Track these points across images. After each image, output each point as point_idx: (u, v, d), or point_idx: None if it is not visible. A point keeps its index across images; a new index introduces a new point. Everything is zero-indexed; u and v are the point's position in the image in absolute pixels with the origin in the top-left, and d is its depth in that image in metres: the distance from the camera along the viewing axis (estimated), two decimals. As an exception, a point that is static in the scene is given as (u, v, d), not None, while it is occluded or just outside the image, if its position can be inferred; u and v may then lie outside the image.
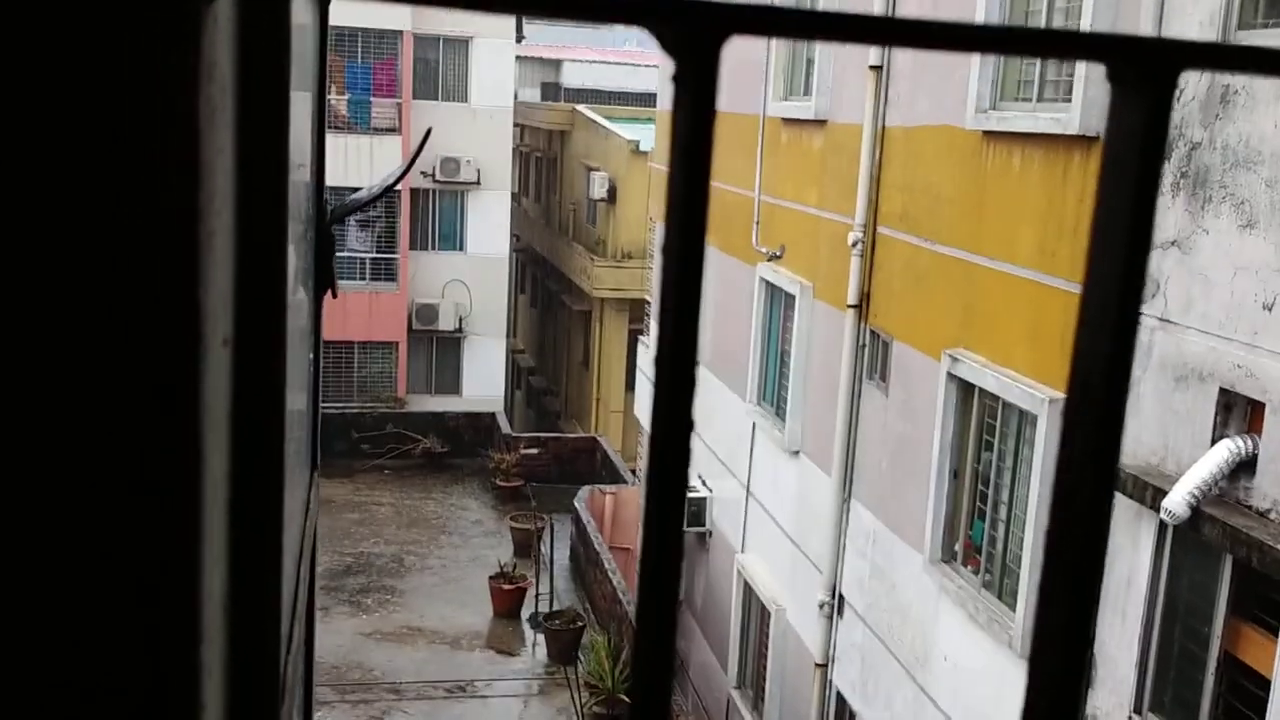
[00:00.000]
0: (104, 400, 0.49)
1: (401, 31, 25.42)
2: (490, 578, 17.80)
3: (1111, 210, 0.51)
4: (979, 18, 8.49)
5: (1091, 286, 0.52)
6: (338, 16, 26.27)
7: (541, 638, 16.72)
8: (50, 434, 0.48)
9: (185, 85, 0.45)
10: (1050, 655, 0.51)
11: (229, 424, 0.60)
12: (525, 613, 17.58)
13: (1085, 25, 7.26)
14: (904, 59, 9.95)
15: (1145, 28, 6.77)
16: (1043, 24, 8.06)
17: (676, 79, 0.47)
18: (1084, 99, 7.32)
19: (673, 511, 0.48)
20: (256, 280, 0.60)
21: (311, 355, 1.57)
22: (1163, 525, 6.41)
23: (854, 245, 10.46)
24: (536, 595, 17.57)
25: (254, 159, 0.58)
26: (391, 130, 25.37)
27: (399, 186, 24.79)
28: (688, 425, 0.48)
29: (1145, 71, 0.50)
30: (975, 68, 8.59)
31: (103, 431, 0.48)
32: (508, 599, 17.53)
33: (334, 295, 1.66)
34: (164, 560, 0.51)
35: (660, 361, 0.48)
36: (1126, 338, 0.53)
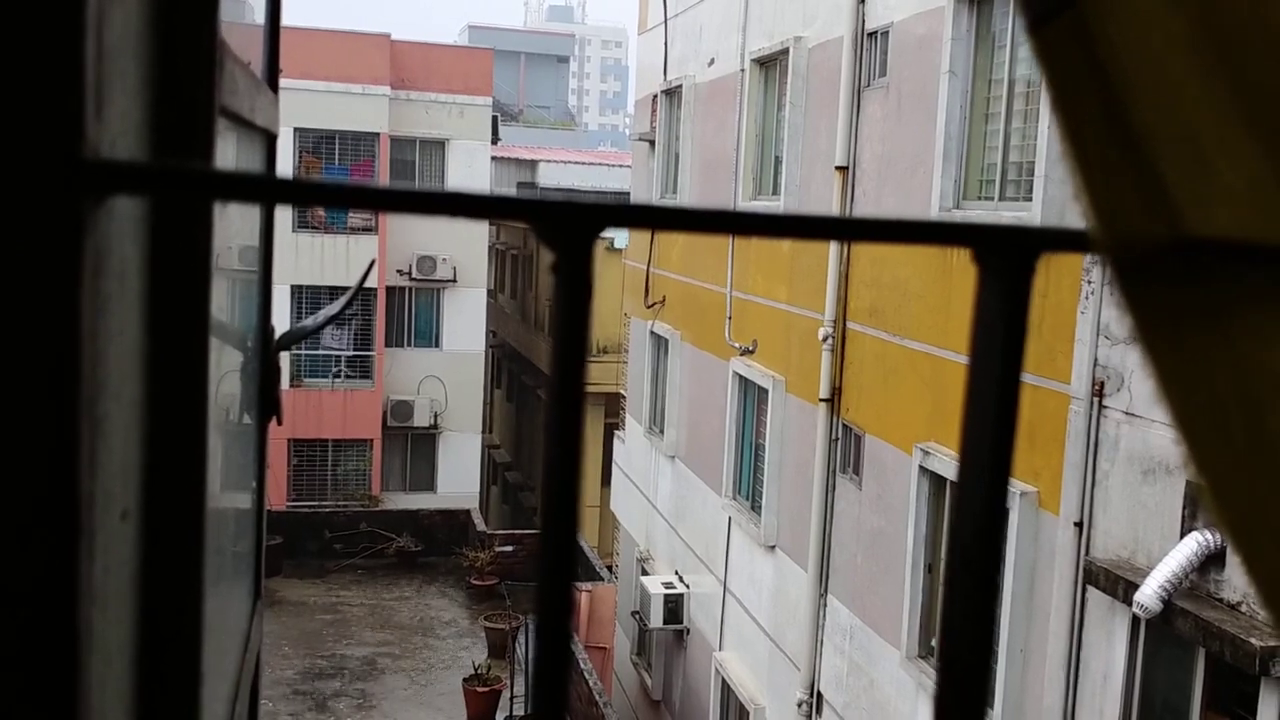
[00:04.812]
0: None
1: (378, 134, 25.75)
2: (464, 680, 17.48)
3: (980, 384, 0.54)
4: (940, 121, 8.70)
5: (965, 454, 0.54)
6: (315, 119, 26.35)
7: (517, 741, 16.40)
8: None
9: (64, 281, 0.47)
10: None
11: (134, 592, 0.61)
12: (500, 716, 17.24)
13: (1043, 128, 7.45)
14: (870, 158, 10.15)
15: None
16: (1001, 130, 8.26)
17: (554, 269, 0.50)
18: (1044, 197, 7.47)
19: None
20: (170, 451, 0.61)
21: (255, 484, 1.58)
22: (1135, 620, 6.39)
23: (824, 340, 10.55)
24: (511, 697, 17.24)
25: (169, 339, 0.59)
26: (367, 230, 25.55)
27: (374, 284, 24.90)
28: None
29: (1006, 256, 0.53)
30: (939, 166, 8.77)
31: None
32: (482, 702, 17.19)
33: (279, 423, 1.68)
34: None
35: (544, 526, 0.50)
36: (998, 503, 0.55)
